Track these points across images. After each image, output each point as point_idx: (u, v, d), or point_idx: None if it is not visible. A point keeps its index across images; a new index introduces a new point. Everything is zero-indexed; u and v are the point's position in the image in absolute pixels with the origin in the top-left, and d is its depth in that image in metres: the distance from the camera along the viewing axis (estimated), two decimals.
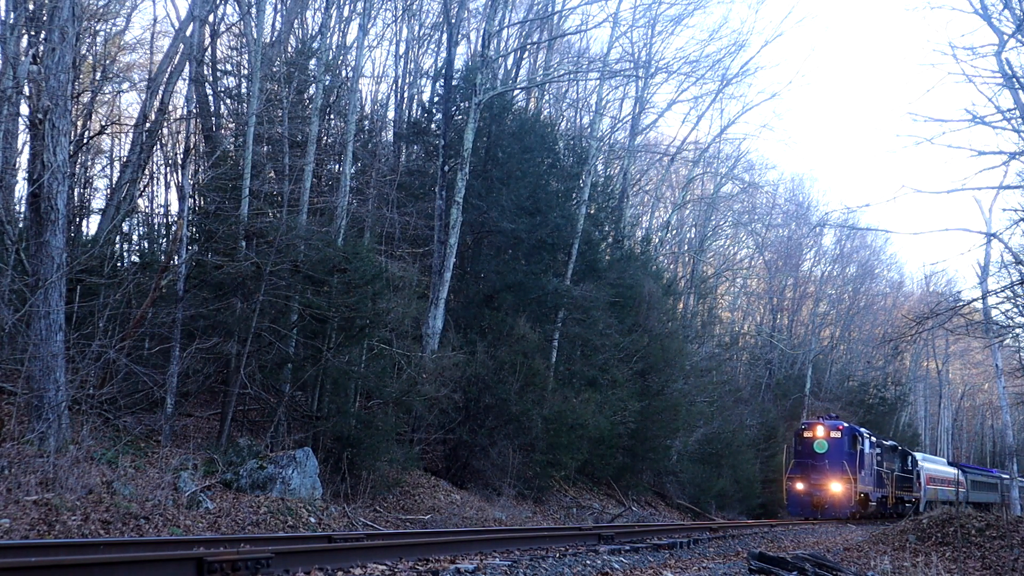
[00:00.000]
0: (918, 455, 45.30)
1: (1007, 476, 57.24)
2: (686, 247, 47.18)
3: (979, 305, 24.09)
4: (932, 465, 47.96)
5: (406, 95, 31.89)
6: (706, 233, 47.28)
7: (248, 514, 14.16)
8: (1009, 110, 17.87)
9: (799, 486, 33.23)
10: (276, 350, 19.68)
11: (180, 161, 23.45)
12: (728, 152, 47.30)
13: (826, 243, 60.25)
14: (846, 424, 34.63)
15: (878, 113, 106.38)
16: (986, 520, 15.81)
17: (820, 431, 33.70)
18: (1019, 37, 17.02)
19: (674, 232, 46.53)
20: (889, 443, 40.61)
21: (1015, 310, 23.45)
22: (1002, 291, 23.43)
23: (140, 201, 24.99)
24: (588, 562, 9.07)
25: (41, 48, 14.09)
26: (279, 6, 26.95)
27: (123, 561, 5.79)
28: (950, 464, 54.30)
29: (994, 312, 23.97)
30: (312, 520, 15.08)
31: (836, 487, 32.62)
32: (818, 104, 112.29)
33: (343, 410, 19.95)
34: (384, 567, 7.07)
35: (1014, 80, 17.39)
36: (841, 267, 61.67)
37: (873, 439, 36.50)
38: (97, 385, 15.79)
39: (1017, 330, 25.02)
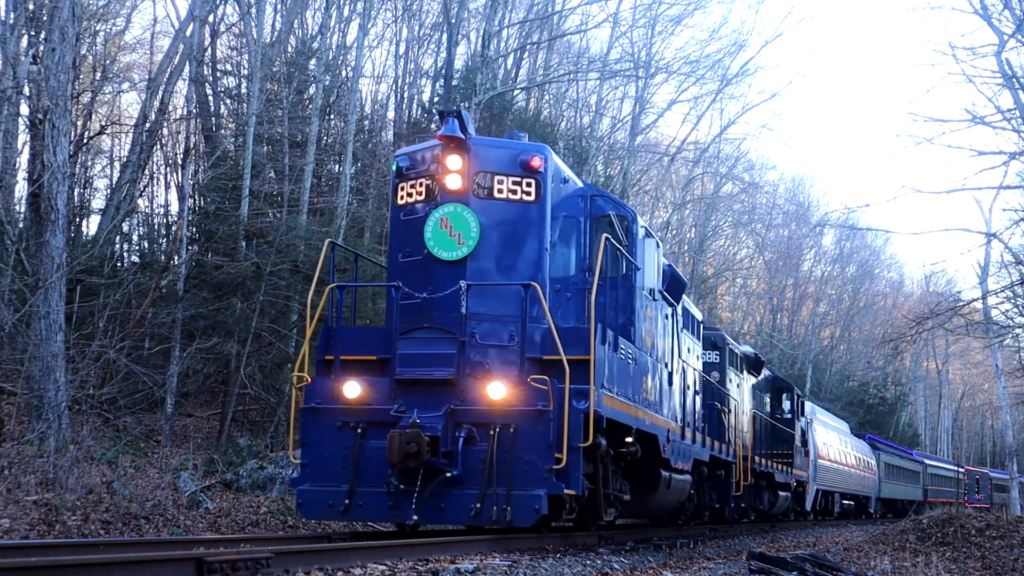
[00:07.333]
0: (808, 404, 27.39)
1: (929, 461, 52.14)
2: (686, 247, 47.14)
3: (979, 305, 24.07)
4: (828, 431, 29.39)
5: (406, 95, 31.88)
6: (706, 233, 47.25)
7: (248, 514, 14.15)
8: (1009, 110, 17.89)
9: (350, 393, 9.57)
10: (276, 350, 19.68)
11: (180, 161, 23.47)
12: (728, 152, 47.26)
13: (826, 243, 60.28)
14: (557, 162, 10.81)
15: (878, 113, 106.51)
16: (986, 520, 15.82)
17: (453, 172, 9.94)
18: (1019, 37, 17.02)
19: (674, 232, 46.51)
20: (744, 349, 19.92)
21: (1015, 310, 23.44)
22: (1002, 291, 23.43)
23: (140, 201, 24.99)
24: (588, 562, 9.06)
25: (41, 48, 14.09)
26: (279, 6, 26.96)
27: (123, 561, 5.79)
28: (856, 435, 36.78)
29: (994, 312, 23.94)
30: (312, 520, 15.07)
31: (496, 392, 9.25)
32: (818, 104, 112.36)
33: None
34: (384, 567, 7.07)
35: (1014, 80, 17.39)
36: (841, 267, 61.67)
37: (690, 311, 14.80)
38: (97, 385, 15.80)
39: (1017, 330, 25.01)
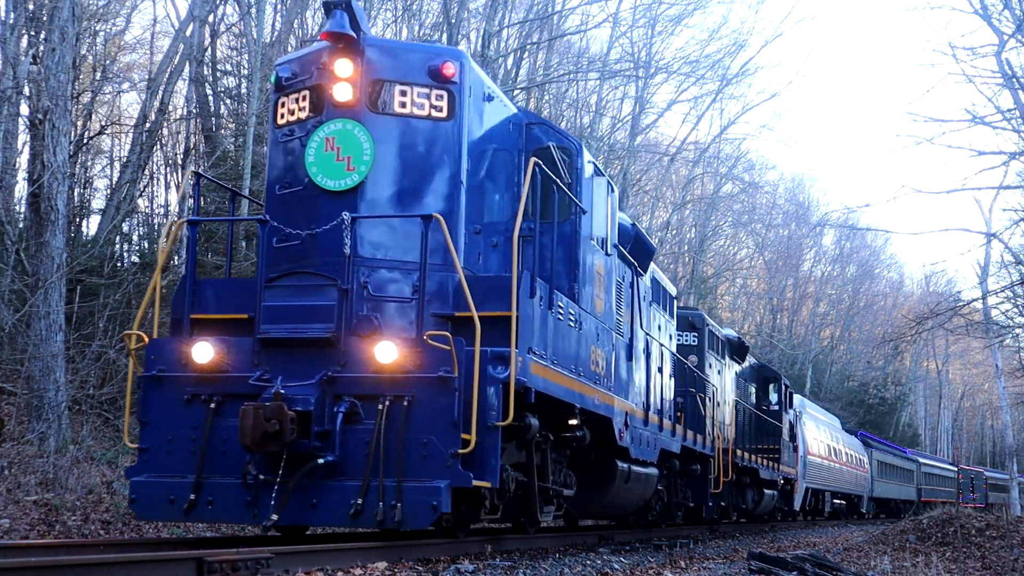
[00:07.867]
0: (797, 396, 25.52)
1: (924, 460, 51.67)
2: (686, 247, 47.13)
3: (979, 305, 24.09)
4: (819, 426, 27.99)
5: None
6: (706, 233, 47.25)
7: None
8: (1009, 110, 17.91)
9: (200, 357, 7.62)
10: None
11: (180, 161, 23.46)
12: (728, 152, 47.29)
13: (826, 243, 60.31)
14: (479, 73, 8.90)
15: (878, 113, 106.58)
16: (986, 520, 15.83)
17: (343, 80, 7.82)
18: (1019, 37, 17.04)
19: (674, 232, 46.50)
20: (726, 332, 18.59)
21: (1015, 310, 23.47)
22: (1002, 291, 23.47)
23: (140, 201, 24.97)
24: (588, 562, 9.07)
25: (41, 48, 14.09)
26: (279, 6, 26.94)
27: (123, 561, 5.79)
28: (848, 431, 35.72)
29: (994, 312, 23.96)
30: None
31: (386, 354, 7.25)
32: (818, 104, 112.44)
33: None
34: (384, 567, 7.08)
35: (1014, 80, 17.41)
36: (841, 267, 61.69)
37: (661, 283, 13.53)
38: (97, 385, 15.79)
39: (1017, 330, 25.04)
